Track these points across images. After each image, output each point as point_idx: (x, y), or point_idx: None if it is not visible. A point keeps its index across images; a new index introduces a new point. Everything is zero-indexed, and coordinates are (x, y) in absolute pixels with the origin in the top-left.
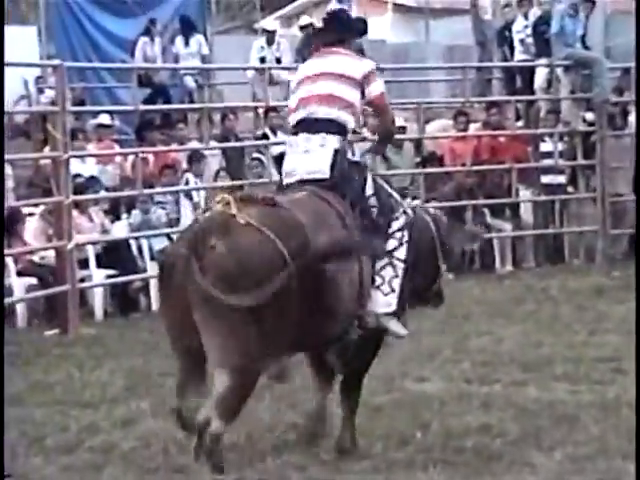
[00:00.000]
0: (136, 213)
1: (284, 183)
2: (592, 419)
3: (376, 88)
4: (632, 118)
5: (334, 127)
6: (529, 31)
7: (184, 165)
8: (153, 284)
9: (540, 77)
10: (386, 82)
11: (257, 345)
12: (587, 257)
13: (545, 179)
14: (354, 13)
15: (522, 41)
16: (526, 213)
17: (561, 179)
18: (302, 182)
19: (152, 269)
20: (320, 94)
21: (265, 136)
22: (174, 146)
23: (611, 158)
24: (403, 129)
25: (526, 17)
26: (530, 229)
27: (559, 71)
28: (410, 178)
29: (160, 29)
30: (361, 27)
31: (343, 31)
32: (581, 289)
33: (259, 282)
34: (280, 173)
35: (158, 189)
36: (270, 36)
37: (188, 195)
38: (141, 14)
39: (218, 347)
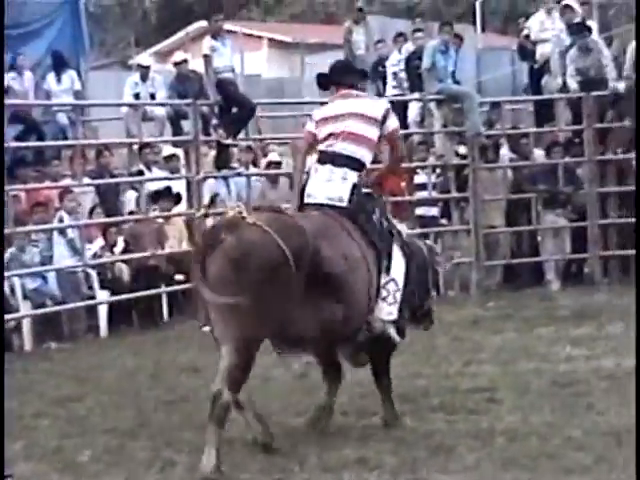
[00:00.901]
0: (11, 251)
1: (304, 202)
2: (467, 448)
3: (392, 124)
4: (504, 151)
5: (355, 164)
6: (402, 65)
7: (56, 203)
8: (26, 323)
9: (413, 111)
10: (261, 117)
11: (257, 326)
12: (462, 288)
13: (419, 211)
14: (229, 49)
15: (395, 75)
16: None
17: (434, 211)
18: (320, 205)
19: (25, 308)
20: (347, 132)
21: (140, 172)
22: (47, 183)
23: (484, 190)
24: (278, 164)
25: (400, 52)
26: None
27: (431, 105)
28: None
29: (31, 65)
30: (365, 73)
31: (354, 77)
32: (456, 320)
33: (260, 270)
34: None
35: (31, 227)
36: (144, 72)
37: (62, 232)
38: (14, 49)
39: (223, 325)
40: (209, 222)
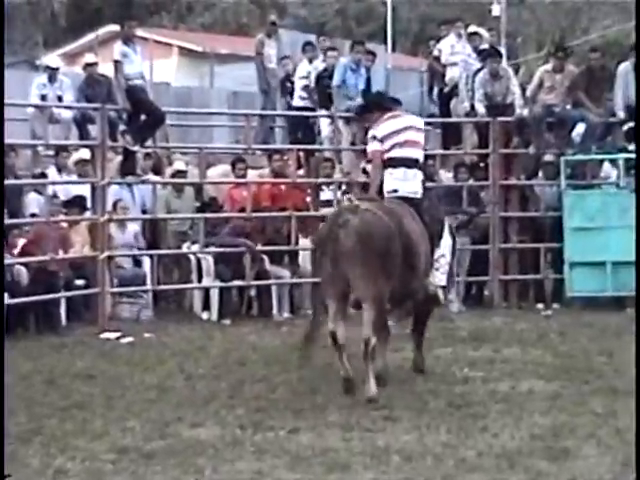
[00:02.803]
0: None
1: (387, 197)
2: (363, 466)
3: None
4: None
5: (418, 165)
6: (312, 77)
7: None
8: None
9: (325, 127)
10: (169, 125)
11: (384, 285)
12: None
13: None
14: (140, 56)
15: (305, 87)
16: (304, 260)
17: None
18: (399, 197)
19: None
20: (410, 140)
21: (43, 174)
22: None
23: None
24: (183, 173)
25: (310, 62)
26: (308, 276)
27: (340, 123)
28: (190, 222)
29: None
30: (399, 100)
31: (395, 103)
32: (355, 338)
33: (379, 242)
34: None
35: None
36: (52, 73)
37: None
38: None
39: (364, 287)
40: (112, 228)
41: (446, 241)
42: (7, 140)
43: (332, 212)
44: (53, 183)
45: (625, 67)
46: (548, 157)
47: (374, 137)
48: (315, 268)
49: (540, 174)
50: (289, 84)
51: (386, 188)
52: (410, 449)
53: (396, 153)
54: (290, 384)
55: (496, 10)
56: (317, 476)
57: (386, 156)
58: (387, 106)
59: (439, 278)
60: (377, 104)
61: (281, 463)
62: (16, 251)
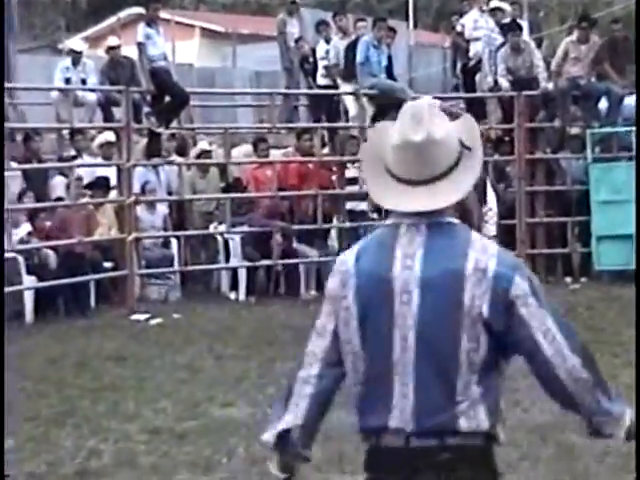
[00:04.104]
0: None
1: None
2: None
3: None
4: None
5: None
6: (331, 55)
7: None
8: None
9: (350, 104)
10: (193, 107)
11: None
12: None
13: (349, 205)
14: (162, 38)
15: (326, 68)
16: (331, 239)
17: (364, 206)
18: None
19: None
20: None
21: (73, 157)
22: None
23: None
24: (208, 153)
25: (327, 42)
26: (336, 255)
27: (364, 100)
28: (216, 203)
29: None
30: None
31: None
32: None
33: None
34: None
35: None
36: (76, 57)
37: None
38: None
39: None
40: (139, 210)
41: (490, 196)
42: (31, 124)
43: None
44: (79, 166)
45: None
46: (574, 130)
47: None
48: None
49: (566, 148)
50: (307, 65)
51: None
52: None
53: None
54: None
55: None
56: (347, 454)
57: None
58: None
59: (490, 230)
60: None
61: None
62: (42, 235)
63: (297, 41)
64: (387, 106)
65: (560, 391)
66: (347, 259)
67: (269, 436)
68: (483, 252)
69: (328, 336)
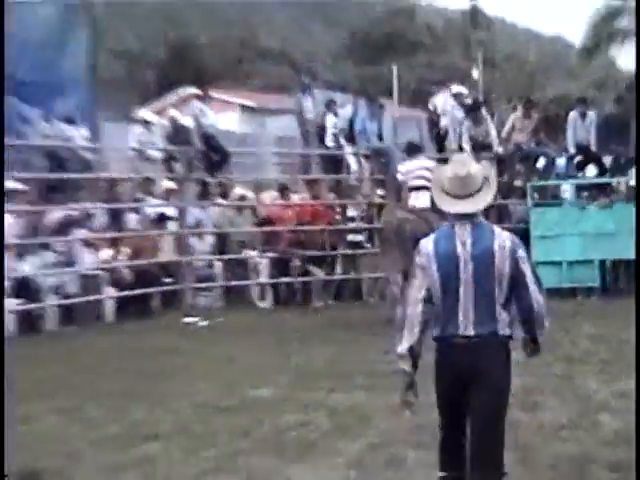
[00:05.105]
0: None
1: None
2: (383, 418)
3: None
4: None
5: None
6: (339, 125)
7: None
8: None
9: (352, 162)
10: (233, 162)
11: None
12: (380, 297)
13: (349, 237)
14: (211, 110)
15: (333, 135)
16: (335, 262)
17: (360, 237)
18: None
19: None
20: (422, 176)
21: (141, 199)
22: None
23: None
24: (243, 197)
25: (335, 115)
26: (340, 275)
27: (362, 158)
28: (249, 234)
29: (62, 117)
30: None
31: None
32: (374, 320)
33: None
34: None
35: (61, 238)
36: (147, 124)
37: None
38: (46, 103)
39: None
40: (192, 239)
41: None
42: (114, 174)
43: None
44: (148, 206)
45: (573, 115)
46: (518, 183)
47: (400, 172)
48: (384, 250)
49: (512, 196)
50: (319, 132)
51: (410, 203)
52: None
53: (415, 182)
54: (325, 356)
55: (475, 73)
56: (348, 425)
57: (409, 184)
58: (415, 152)
59: None
60: (411, 149)
61: (320, 415)
62: (122, 256)
63: (311, 114)
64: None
65: (528, 307)
66: (428, 245)
67: (402, 349)
68: (501, 237)
69: (423, 289)
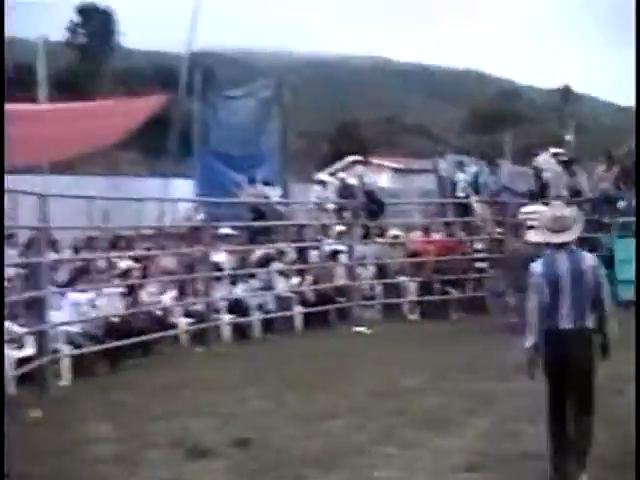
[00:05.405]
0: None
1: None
2: (505, 400)
3: None
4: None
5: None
6: (466, 180)
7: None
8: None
9: (477, 208)
10: (387, 210)
11: None
12: (498, 309)
13: (478, 264)
14: (370, 172)
15: (462, 187)
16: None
17: (485, 264)
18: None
19: (255, 314)
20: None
21: (320, 240)
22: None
23: None
24: (397, 236)
25: (464, 172)
26: (470, 293)
27: (485, 205)
28: (401, 264)
29: (259, 180)
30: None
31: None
32: (497, 327)
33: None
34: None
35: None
36: (323, 184)
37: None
38: (250, 171)
39: None
40: (359, 268)
41: None
42: (299, 221)
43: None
44: (327, 244)
45: None
46: (605, 220)
47: (521, 213)
48: (508, 273)
49: (601, 230)
50: (452, 186)
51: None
52: None
53: (531, 222)
54: (459, 355)
55: (568, 137)
56: (477, 406)
57: (527, 224)
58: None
59: None
60: (531, 197)
61: (455, 398)
62: (307, 282)
63: (445, 172)
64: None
65: (602, 311)
66: (538, 268)
67: (529, 343)
68: (588, 259)
69: (536, 298)
